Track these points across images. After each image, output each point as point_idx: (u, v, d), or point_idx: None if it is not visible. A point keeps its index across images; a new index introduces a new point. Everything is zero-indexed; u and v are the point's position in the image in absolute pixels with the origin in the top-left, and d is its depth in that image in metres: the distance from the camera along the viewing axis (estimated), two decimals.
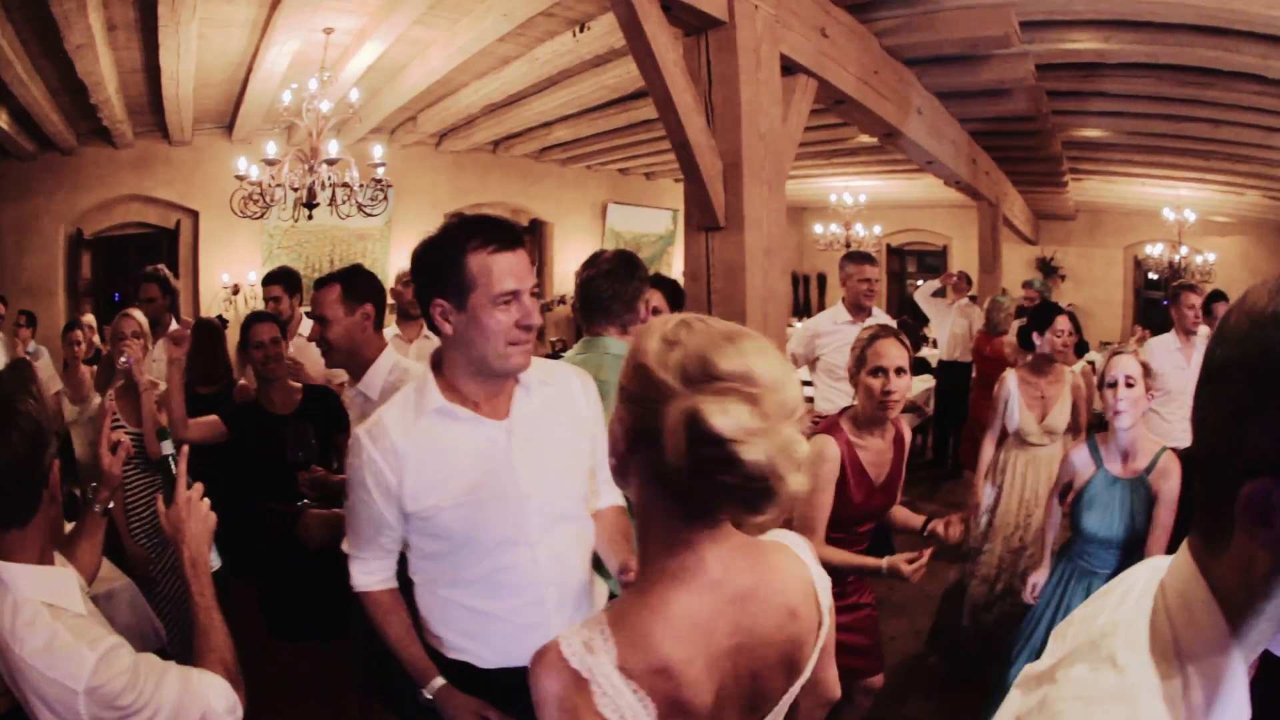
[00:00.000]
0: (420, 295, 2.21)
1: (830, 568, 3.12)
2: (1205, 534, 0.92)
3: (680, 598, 1.33)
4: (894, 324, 6.14)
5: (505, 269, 2.10)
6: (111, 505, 2.41)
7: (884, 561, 3.12)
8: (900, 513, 3.61)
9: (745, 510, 1.28)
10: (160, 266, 5.61)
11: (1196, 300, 5.86)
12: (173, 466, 2.09)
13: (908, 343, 3.33)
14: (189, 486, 2.06)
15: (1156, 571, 1.03)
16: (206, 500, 2.08)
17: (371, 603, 2.35)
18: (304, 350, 4.96)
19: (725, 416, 1.22)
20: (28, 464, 1.65)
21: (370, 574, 2.33)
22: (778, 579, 1.46)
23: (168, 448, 2.14)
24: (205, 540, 2.05)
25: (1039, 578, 3.77)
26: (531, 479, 2.22)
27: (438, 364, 2.26)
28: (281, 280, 5.71)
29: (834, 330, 5.58)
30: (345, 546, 2.37)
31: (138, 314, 4.75)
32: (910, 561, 3.06)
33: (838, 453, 3.21)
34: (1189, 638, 0.90)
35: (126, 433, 4.19)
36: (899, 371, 3.19)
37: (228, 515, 2.30)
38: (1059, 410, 5.04)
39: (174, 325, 5.40)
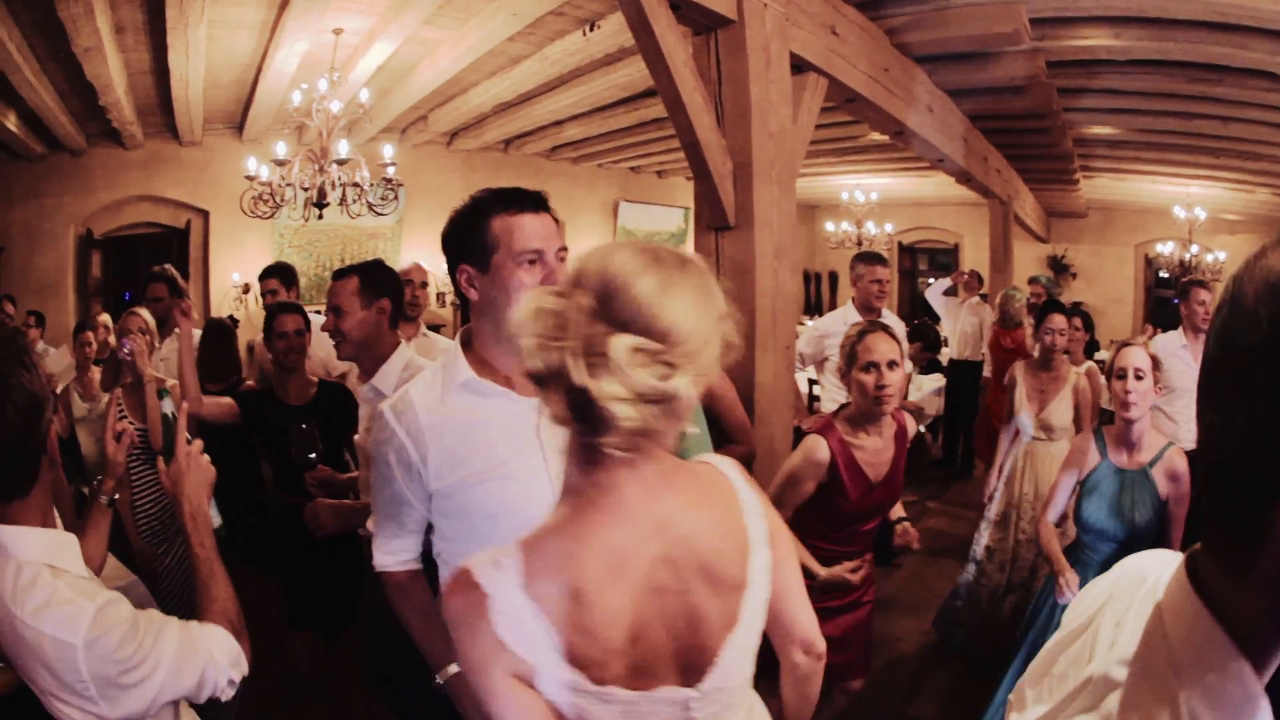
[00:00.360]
0: (449, 266, 2.19)
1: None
2: (1222, 555, 0.80)
3: (591, 519, 1.28)
4: (903, 325, 6.14)
5: (528, 229, 2.09)
6: (117, 497, 2.42)
7: (823, 572, 3.13)
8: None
9: (580, 427, 1.21)
10: (167, 266, 5.63)
11: (1207, 296, 5.75)
12: (172, 425, 2.10)
13: (898, 336, 3.31)
14: (188, 443, 2.08)
15: (1146, 592, 0.94)
16: (206, 456, 2.10)
17: (391, 583, 2.29)
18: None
19: (525, 302, 1.21)
20: (25, 435, 1.64)
21: (391, 554, 2.26)
22: (705, 505, 1.39)
23: (167, 406, 2.16)
24: (205, 492, 2.07)
25: (1070, 576, 3.48)
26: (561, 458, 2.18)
27: (467, 341, 2.22)
28: (278, 274, 5.71)
29: (843, 331, 5.48)
30: (370, 524, 2.31)
31: (144, 312, 4.76)
32: (853, 570, 3.07)
33: (826, 456, 3.19)
34: (1201, 686, 0.78)
35: (131, 427, 4.22)
36: (891, 365, 3.16)
37: (236, 504, 2.31)
38: (1055, 406, 5.06)
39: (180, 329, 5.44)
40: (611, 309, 1.18)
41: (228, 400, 4.26)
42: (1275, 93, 6.14)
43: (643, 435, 1.20)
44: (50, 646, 1.56)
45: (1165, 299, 14.38)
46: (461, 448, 2.10)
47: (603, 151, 12.56)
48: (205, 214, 10.08)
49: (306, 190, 7.06)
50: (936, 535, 7.15)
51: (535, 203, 2.13)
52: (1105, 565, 3.39)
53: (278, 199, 7.14)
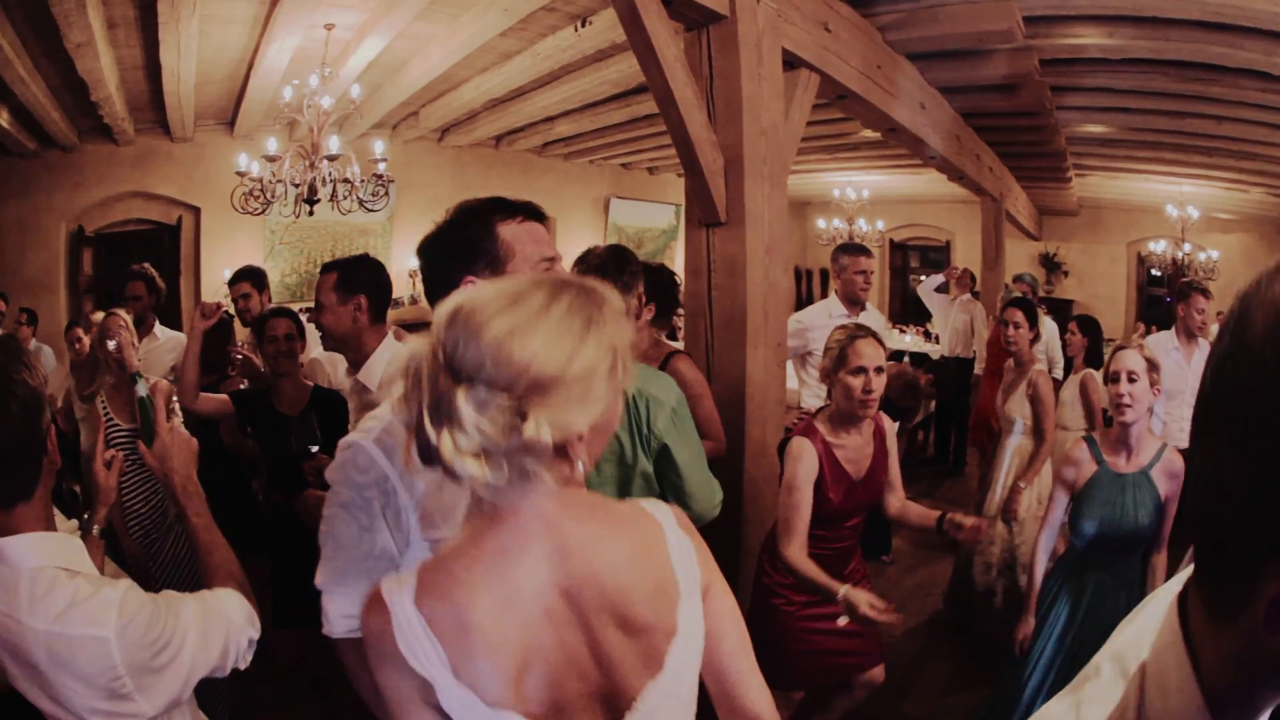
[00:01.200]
0: (444, 276, 1.96)
1: (798, 576, 3.18)
2: (1206, 599, 0.74)
3: (484, 545, 1.27)
4: (883, 319, 6.16)
5: (539, 236, 2.03)
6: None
7: (842, 590, 3.10)
8: (913, 511, 3.62)
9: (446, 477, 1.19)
10: (146, 265, 5.62)
11: (1206, 305, 5.72)
12: (149, 406, 2.08)
13: (883, 341, 3.38)
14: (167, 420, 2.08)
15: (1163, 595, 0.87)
16: (184, 430, 2.10)
17: (348, 649, 1.93)
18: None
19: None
20: (29, 433, 1.62)
21: (344, 617, 1.89)
22: (617, 543, 1.33)
23: (142, 389, 2.13)
24: (191, 464, 2.07)
25: (1026, 630, 3.56)
26: None
27: None
28: (249, 278, 5.74)
29: (828, 324, 5.24)
30: (321, 580, 1.92)
31: (122, 312, 4.76)
32: (872, 605, 3.03)
33: (814, 453, 3.26)
34: None
35: (119, 430, 4.20)
36: (878, 371, 3.24)
37: (226, 504, 2.28)
38: (1012, 398, 5.24)
39: (157, 326, 5.45)
40: (458, 360, 1.17)
41: (223, 397, 4.29)
42: (1270, 93, 6.14)
43: (517, 480, 1.19)
44: (82, 649, 1.54)
45: (1157, 297, 14.41)
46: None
47: (594, 148, 12.54)
48: (196, 210, 10.04)
49: (297, 186, 7.05)
50: (928, 532, 7.16)
51: (535, 211, 2.07)
52: (1109, 570, 3.42)
53: (269, 195, 7.12)
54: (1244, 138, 7.83)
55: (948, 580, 5.59)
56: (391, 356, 3.32)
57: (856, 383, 3.22)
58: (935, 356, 10.22)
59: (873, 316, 5.52)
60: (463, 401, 1.13)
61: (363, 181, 7.21)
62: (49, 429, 1.70)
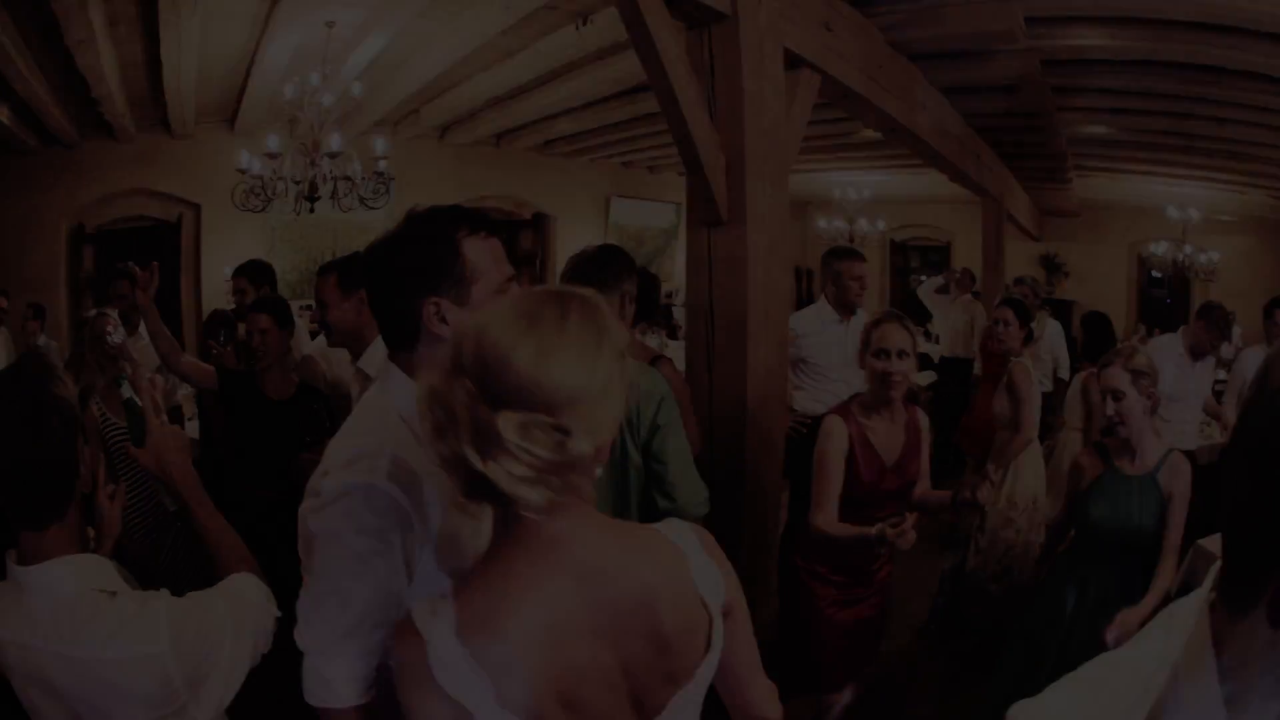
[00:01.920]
0: (399, 297, 1.84)
1: (841, 545, 3.28)
2: (1229, 596, 0.85)
3: (517, 571, 1.27)
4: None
5: (500, 254, 1.91)
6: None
7: (874, 529, 3.13)
8: (932, 494, 3.68)
9: (494, 505, 1.22)
10: (131, 264, 5.62)
11: (1226, 347, 5.82)
12: (136, 408, 2.08)
13: (912, 328, 3.49)
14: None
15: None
16: (174, 425, 2.10)
17: None
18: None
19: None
20: (66, 449, 1.60)
21: (359, 680, 1.66)
22: (638, 563, 1.34)
23: (127, 391, 2.13)
24: (186, 454, 2.05)
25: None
26: None
27: None
28: (246, 273, 5.78)
29: (820, 330, 5.32)
30: (316, 643, 1.68)
31: (113, 313, 4.80)
32: (893, 526, 3.05)
33: (844, 430, 3.39)
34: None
35: (118, 429, 4.21)
36: (901, 354, 3.36)
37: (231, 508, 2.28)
38: (998, 393, 5.31)
39: (143, 325, 5.47)
40: (492, 389, 1.17)
41: (209, 367, 4.38)
42: (1271, 95, 6.14)
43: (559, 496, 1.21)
44: (138, 669, 1.51)
45: (1158, 299, 14.40)
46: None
47: (595, 146, 12.51)
48: (197, 207, 10.04)
49: (298, 184, 7.06)
50: (929, 534, 7.16)
51: (491, 224, 1.93)
52: (1112, 568, 3.43)
53: (269, 193, 7.13)
54: (1245, 139, 7.84)
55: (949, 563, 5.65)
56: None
57: (879, 365, 3.38)
58: (935, 358, 10.23)
59: (860, 322, 5.48)
60: (506, 427, 1.14)
61: (364, 179, 7.23)
62: (83, 448, 1.68)
